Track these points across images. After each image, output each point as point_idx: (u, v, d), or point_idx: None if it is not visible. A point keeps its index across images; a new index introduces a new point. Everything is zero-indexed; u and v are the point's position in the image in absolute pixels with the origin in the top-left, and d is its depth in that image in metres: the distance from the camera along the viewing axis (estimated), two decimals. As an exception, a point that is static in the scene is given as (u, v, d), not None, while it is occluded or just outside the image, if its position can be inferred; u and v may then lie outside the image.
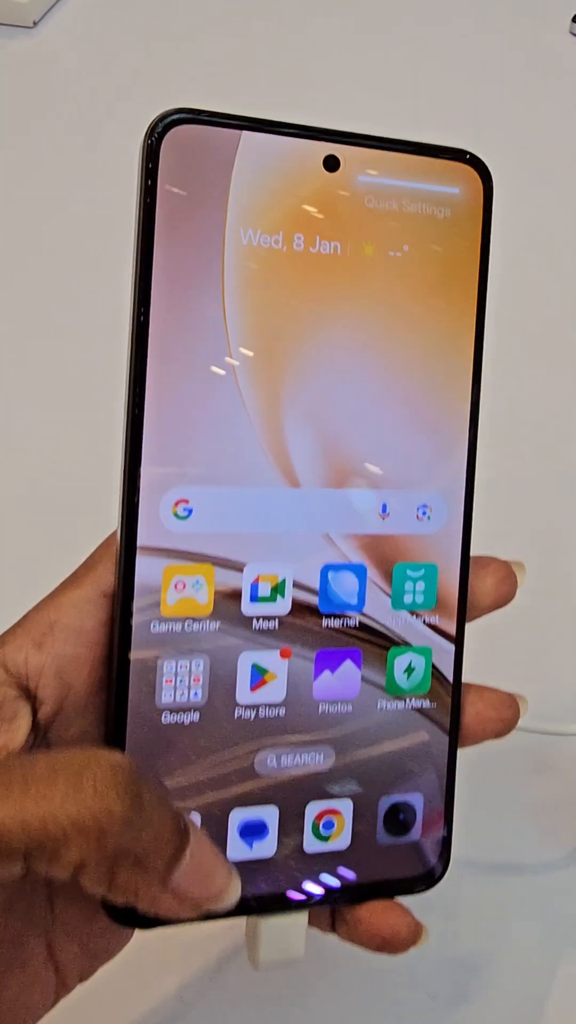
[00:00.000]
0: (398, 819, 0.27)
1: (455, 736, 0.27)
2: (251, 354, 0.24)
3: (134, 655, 0.24)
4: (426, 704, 0.27)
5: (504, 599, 0.28)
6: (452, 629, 0.27)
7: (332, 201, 0.25)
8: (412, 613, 0.27)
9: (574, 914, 0.34)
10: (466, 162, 0.26)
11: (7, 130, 0.59)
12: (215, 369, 0.24)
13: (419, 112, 0.59)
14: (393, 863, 0.26)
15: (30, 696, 0.23)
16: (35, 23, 0.65)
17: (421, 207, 0.26)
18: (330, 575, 0.26)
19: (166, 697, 0.24)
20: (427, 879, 0.27)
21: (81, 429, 0.46)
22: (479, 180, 0.26)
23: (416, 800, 0.27)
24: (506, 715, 0.27)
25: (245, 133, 0.24)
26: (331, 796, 0.26)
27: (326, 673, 0.26)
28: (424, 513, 0.26)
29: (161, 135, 0.23)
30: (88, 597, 0.24)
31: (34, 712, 0.23)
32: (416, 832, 0.27)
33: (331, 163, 0.25)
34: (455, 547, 0.27)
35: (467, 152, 0.26)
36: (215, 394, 0.24)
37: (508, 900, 0.34)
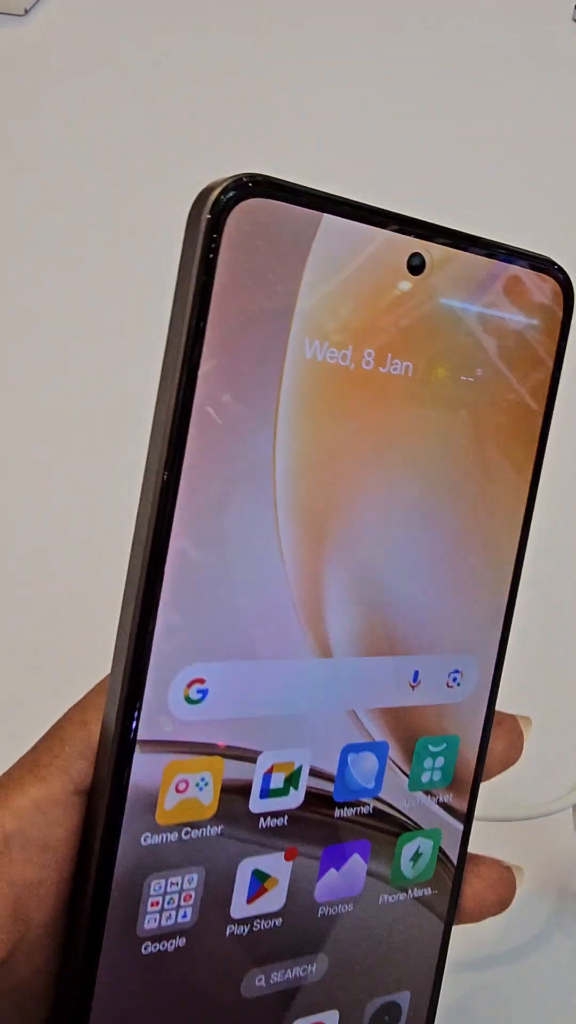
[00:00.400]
0: (383, 1021, 0.23)
1: (451, 923, 0.24)
2: (298, 498, 0.19)
3: (117, 877, 0.18)
4: (427, 892, 0.23)
5: (512, 761, 0.24)
6: (464, 807, 0.23)
7: (413, 310, 0.20)
8: (427, 793, 0.23)
9: None
10: (552, 274, 0.21)
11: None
12: (256, 513, 0.19)
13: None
14: (371, 1070, 0.23)
15: None
16: (26, 11, 0.58)
17: (503, 322, 0.21)
18: (350, 758, 0.21)
19: (149, 923, 0.19)
20: None
21: (71, 557, 0.38)
22: (561, 299, 0.21)
23: (403, 999, 0.23)
24: (505, 895, 0.24)
25: (327, 216, 0.18)
26: (319, 1009, 0.22)
27: (331, 872, 0.21)
28: (455, 680, 0.22)
29: (227, 209, 0.17)
30: (55, 797, 0.18)
31: None
32: None
33: (416, 263, 0.19)
34: (480, 716, 0.23)
35: (554, 263, 0.21)
36: (251, 543, 0.19)
37: None
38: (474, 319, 0.20)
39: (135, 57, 0.55)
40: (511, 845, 0.31)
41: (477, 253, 0.20)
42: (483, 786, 0.23)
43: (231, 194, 0.17)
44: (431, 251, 0.20)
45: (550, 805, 0.28)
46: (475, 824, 0.23)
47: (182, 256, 0.17)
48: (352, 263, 0.19)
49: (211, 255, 0.17)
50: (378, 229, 0.19)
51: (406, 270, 0.19)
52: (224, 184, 0.17)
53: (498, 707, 0.23)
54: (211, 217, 0.17)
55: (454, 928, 0.24)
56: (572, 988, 0.30)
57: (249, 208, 0.17)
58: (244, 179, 0.17)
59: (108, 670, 0.21)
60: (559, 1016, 0.30)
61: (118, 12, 0.57)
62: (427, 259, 0.20)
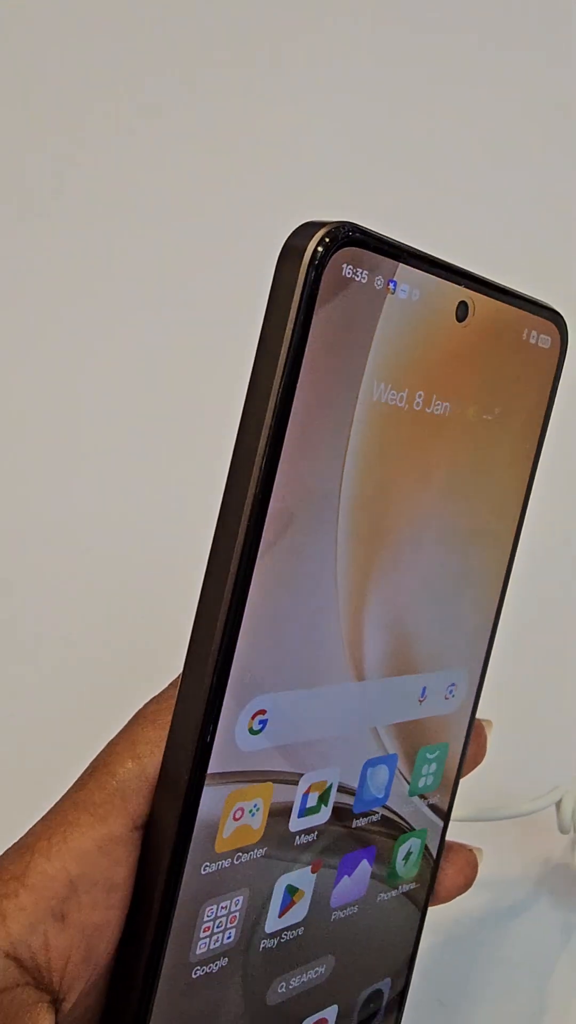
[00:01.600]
0: (369, 1009, 0.24)
1: (426, 911, 0.25)
2: (356, 534, 0.20)
3: (178, 908, 0.18)
4: (412, 887, 0.25)
5: (480, 760, 0.26)
6: (446, 805, 0.25)
7: (456, 355, 0.21)
8: (421, 797, 0.24)
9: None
10: (553, 321, 0.23)
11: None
12: (320, 549, 0.19)
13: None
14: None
15: (52, 993, 0.17)
16: None
17: (519, 365, 0.22)
18: (368, 772, 0.22)
19: (201, 948, 0.19)
20: None
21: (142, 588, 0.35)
22: (559, 343, 0.23)
23: (386, 985, 0.25)
24: (471, 875, 0.26)
25: (402, 265, 0.19)
26: (323, 1007, 0.23)
27: (345, 879, 0.22)
28: (451, 692, 0.24)
29: (328, 255, 0.17)
30: (117, 836, 0.18)
31: (56, 1011, 0.17)
32: (379, 1017, 0.25)
33: (463, 310, 0.20)
34: (465, 722, 0.25)
35: (558, 314, 0.23)
36: (314, 574, 0.19)
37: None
38: (499, 362, 0.22)
39: (129, 62, 0.50)
40: (495, 845, 0.33)
41: (507, 303, 0.21)
42: (470, 788, 0.25)
43: (329, 243, 0.17)
44: (474, 299, 0.21)
45: (532, 804, 0.30)
46: (463, 824, 0.25)
47: (275, 293, 0.17)
48: (415, 307, 0.19)
49: (310, 296, 0.17)
50: (437, 278, 0.20)
51: (454, 315, 0.20)
52: (325, 230, 0.17)
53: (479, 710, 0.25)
54: (315, 265, 0.17)
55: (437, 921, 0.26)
56: (555, 983, 0.33)
57: (344, 256, 0.17)
58: (344, 228, 0.17)
59: (143, 696, 0.21)
60: (542, 1013, 0.33)
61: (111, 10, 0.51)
62: (471, 306, 0.21)
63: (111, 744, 0.19)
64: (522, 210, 0.46)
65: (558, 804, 0.31)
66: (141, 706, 0.20)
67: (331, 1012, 0.23)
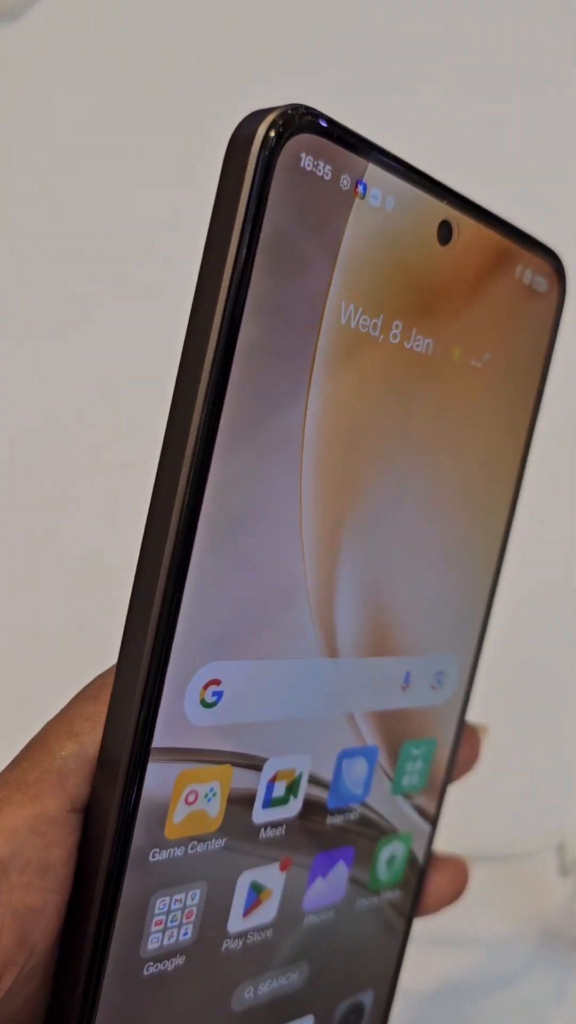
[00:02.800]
0: (348, 1020, 0.23)
1: (411, 921, 0.24)
2: (323, 482, 0.18)
3: (124, 897, 0.17)
4: (395, 894, 0.23)
5: (471, 766, 0.24)
6: (433, 809, 0.23)
7: (438, 283, 0.19)
8: (405, 796, 0.22)
9: None
10: (552, 264, 0.21)
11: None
12: (281, 497, 0.18)
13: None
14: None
15: None
16: (18, 12, 0.50)
17: (512, 307, 0.21)
18: (344, 764, 0.21)
19: (152, 943, 0.18)
20: None
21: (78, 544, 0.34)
22: (557, 289, 0.22)
23: (367, 998, 0.23)
24: (460, 884, 0.24)
25: (372, 165, 0.17)
26: (296, 1016, 0.21)
27: (319, 880, 0.21)
28: (439, 681, 0.22)
29: (280, 142, 0.15)
30: (51, 815, 0.17)
31: None
32: None
33: (445, 232, 0.19)
34: (455, 718, 0.23)
35: (556, 255, 0.21)
36: (276, 529, 0.18)
37: None
38: (488, 300, 0.20)
39: (137, 63, 0.50)
40: (494, 884, 0.31)
41: (497, 231, 0.20)
42: (468, 826, 0.23)
43: (282, 128, 0.15)
44: (460, 221, 0.19)
45: (533, 843, 0.29)
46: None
47: (221, 193, 0.16)
48: (388, 221, 0.17)
49: (262, 187, 0.15)
50: (415, 188, 0.18)
51: (436, 237, 0.19)
52: (275, 115, 0.15)
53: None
54: (266, 152, 0.15)
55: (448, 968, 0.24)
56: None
57: (300, 144, 0.16)
58: (296, 111, 0.16)
59: (88, 675, 0.19)
60: None
61: (120, 15, 0.51)
62: (455, 228, 0.19)
63: (48, 723, 0.18)
64: (523, 148, 0.44)
65: (559, 846, 0.29)
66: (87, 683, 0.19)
67: (306, 1022, 0.21)
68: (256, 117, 0.16)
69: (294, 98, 0.16)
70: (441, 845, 0.24)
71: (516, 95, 0.47)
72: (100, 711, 0.17)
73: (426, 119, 0.45)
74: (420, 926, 0.24)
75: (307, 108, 0.16)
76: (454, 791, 0.24)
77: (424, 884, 0.24)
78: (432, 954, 0.31)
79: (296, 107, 0.16)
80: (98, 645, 0.21)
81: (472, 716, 0.25)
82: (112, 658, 0.18)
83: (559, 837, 0.30)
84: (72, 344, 0.43)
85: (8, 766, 0.18)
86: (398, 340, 0.18)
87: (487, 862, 0.30)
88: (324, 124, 0.16)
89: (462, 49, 0.47)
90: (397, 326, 0.18)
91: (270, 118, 0.16)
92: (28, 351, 0.43)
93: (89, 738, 0.17)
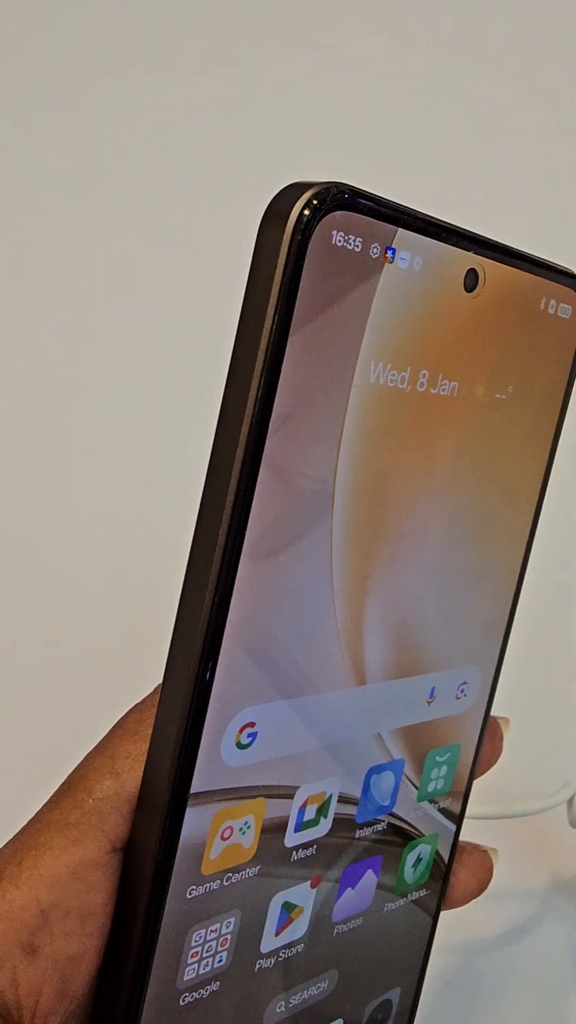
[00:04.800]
0: (377, 1019, 0.23)
1: (438, 917, 0.24)
2: (353, 529, 0.18)
3: (161, 935, 0.17)
4: (422, 894, 0.23)
5: (495, 760, 0.25)
6: (459, 809, 0.23)
7: (465, 329, 0.19)
8: (431, 801, 0.23)
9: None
10: (575, 287, 0.21)
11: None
12: (313, 548, 0.17)
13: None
14: (363, 1066, 0.23)
15: None
16: None
17: (535, 338, 0.20)
18: (372, 780, 0.21)
19: (189, 974, 0.18)
20: None
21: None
22: None
23: (394, 995, 0.23)
24: (486, 878, 0.25)
25: (400, 230, 0.17)
26: (326, 1021, 0.22)
27: (348, 891, 0.21)
28: (463, 691, 0.22)
29: (314, 221, 0.15)
30: (92, 859, 0.17)
31: None
32: None
33: (472, 279, 0.18)
34: (478, 722, 0.23)
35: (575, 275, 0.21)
36: (307, 574, 0.17)
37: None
38: (512, 336, 0.20)
39: (135, 46, 0.47)
40: (508, 842, 0.32)
41: (521, 268, 0.19)
42: (478, 785, 0.24)
43: (317, 206, 0.15)
44: (485, 267, 0.19)
45: (545, 801, 0.29)
46: (472, 822, 0.23)
47: (257, 263, 0.15)
48: (417, 278, 0.17)
49: (296, 265, 0.15)
50: (442, 244, 0.18)
51: (462, 285, 0.18)
52: (310, 194, 0.15)
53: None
54: (301, 232, 0.15)
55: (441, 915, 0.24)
56: (560, 980, 0.32)
57: (333, 222, 0.15)
58: (333, 190, 0.15)
59: (125, 705, 0.19)
60: (548, 1001, 0.31)
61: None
62: (481, 275, 0.18)
63: (88, 758, 0.18)
64: (536, 173, 0.43)
65: (570, 801, 0.30)
66: (123, 715, 0.19)
67: (335, 1027, 0.22)
68: (292, 193, 0.15)
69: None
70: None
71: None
72: (140, 749, 0.17)
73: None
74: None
75: (342, 185, 0.16)
76: None
77: (449, 879, 0.24)
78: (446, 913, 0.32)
79: (332, 185, 0.15)
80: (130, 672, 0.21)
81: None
82: (142, 687, 0.18)
83: (571, 792, 0.31)
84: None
85: (48, 805, 0.18)
86: (424, 388, 0.18)
87: (500, 820, 0.31)
88: (358, 200, 0.16)
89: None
90: (424, 375, 0.18)
91: (305, 197, 0.15)
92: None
93: (129, 776, 0.17)
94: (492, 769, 0.24)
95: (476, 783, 0.24)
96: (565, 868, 0.33)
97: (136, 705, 0.19)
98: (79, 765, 0.18)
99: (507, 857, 0.29)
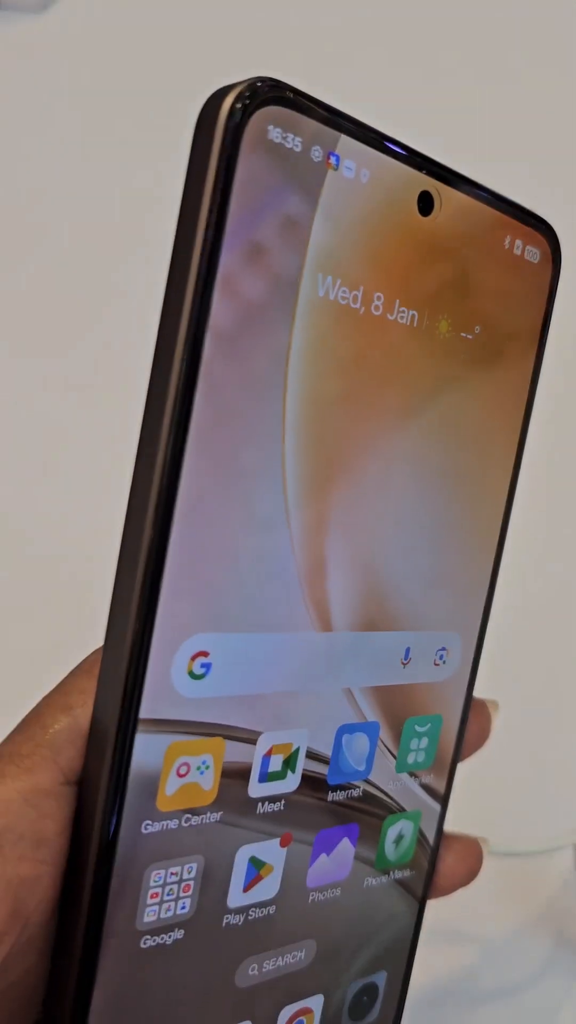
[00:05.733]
0: (362, 1002, 0.22)
1: (424, 902, 0.23)
2: (307, 457, 0.18)
3: (116, 869, 0.17)
4: (406, 874, 0.23)
5: (482, 743, 0.24)
6: (443, 788, 0.23)
7: (421, 255, 0.19)
8: (411, 774, 0.22)
9: None
10: (544, 234, 0.21)
11: (15, 118, 0.46)
12: (264, 465, 0.18)
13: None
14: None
15: None
16: (44, 6, 0.54)
17: (502, 279, 0.21)
18: (344, 739, 0.20)
19: (149, 916, 0.18)
20: None
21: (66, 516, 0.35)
22: (551, 259, 0.21)
23: (380, 979, 0.23)
24: (474, 866, 0.24)
25: (344, 137, 0.17)
26: (305, 995, 0.21)
27: (322, 857, 0.21)
28: (442, 658, 0.22)
29: (246, 114, 0.15)
30: (45, 788, 0.17)
31: None
32: (375, 1012, 0.23)
33: (425, 203, 0.19)
34: (461, 694, 0.23)
35: (547, 223, 0.21)
36: (259, 499, 0.18)
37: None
38: (475, 271, 0.20)
39: (160, 58, 0.51)
40: (510, 881, 0.31)
41: (482, 200, 0.20)
42: (486, 822, 0.23)
43: (247, 100, 0.15)
44: (441, 191, 0.19)
45: (551, 842, 0.28)
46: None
47: (190, 168, 0.16)
48: (365, 192, 0.17)
49: (230, 158, 0.15)
50: (391, 159, 0.18)
51: (415, 208, 0.19)
52: (240, 88, 0.15)
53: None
54: (234, 122, 0.15)
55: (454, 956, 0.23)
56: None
57: (268, 116, 0.16)
58: (262, 83, 0.16)
59: (86, 649, 0.20)
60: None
61: (143, 9, 0.52)
62: (436, 199, 0.19)
63: (44, 697, 0.18)
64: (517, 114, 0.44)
65: None
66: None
67: (315, 1001, 0.21)
68: (222, 91, 0.16)
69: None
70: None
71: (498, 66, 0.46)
72: (93, 684, 0.18)
73: (410, 92, 0.45)
74: (430, 919, 0.24)
75: (274, 80, 0.16)
76: (473, 788, 0.24)
77: (436, 864, 0.23)
78: (442, 950, 0.30)
79: (262, 79, 0.16)
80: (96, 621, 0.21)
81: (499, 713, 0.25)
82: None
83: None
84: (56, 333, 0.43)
85: (3, 740, 0.18)
86: (380, 312, 0.18)
87: (504, 859, 0.30)
88: (292, 95, 0.16)
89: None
90: (379, 298, 0.18)
91: (235, 91, 0.16)
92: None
93: (82, 711, 0.18)
94: (496, 804, 0.23)
95: (480, 817, 0.23)
96: (568, 916, 0.32)
97: (96, 648, 0.19)
98: (36, 705, 0.18)
99: (508, 899, 0.28)
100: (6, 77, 0.51)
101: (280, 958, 0.20)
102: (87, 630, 0.21)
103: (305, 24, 0.49)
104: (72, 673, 0.19)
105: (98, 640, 0.19)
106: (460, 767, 0.23)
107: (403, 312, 0.19)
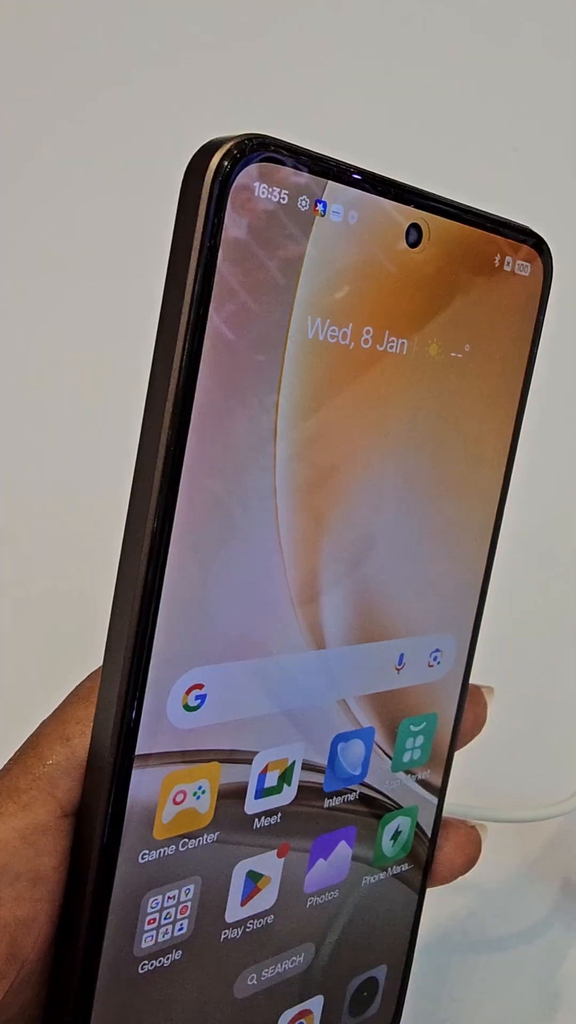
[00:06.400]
0: (362, 997, 0.23)
1: (424, 893, 0.24)
2: (297, 485, 0.18)
3: (114, 899, 0.17)
4: (404, 868, 0.23)
5: (478, 731, 0.24)
6: (439, 781, 0.23)
7: (410, 284, 0.18)
8: (407, 772, 0.22)
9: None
10: (532, 246, 0.20)
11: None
12: (257, 501, 0.17)
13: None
14: (350, 1044, 0.23)
15: None
16: None
17: (492, 296, 0.20)
18: (340, 747, 0.20)
19: (147, 941, 0.18)
20: None
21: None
22: (541, 270, 0.21)
23: (380, 973, 0.23)
24: (473, 854, 0.24)
25: (331, 183, 0.17)
26: (304, 998, 0.21)
27: (320, 862, 0.21)
28: (435, 659, 0.22)
29: (233, 172, 0.15)
30: (43, 824, 0.17)
31: None
32: (376, 1005, 0.23)
33: (414, 235, 0.18)
34: (455, 691, 0.23)
35: (535, 235, 0.20)
36: (252, 533, 0.17)
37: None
38: (464, 292, 0.19)
39: (146, 53, 0.48)
40: (517, 847, 0.31)
41: (470, 224, 0.19)
42: (490, 788, 0.23)
43: (235, 157, 0.15)
44: (429, 222, 0.18)
45: (559, 807, 0.28)
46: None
47: (178, 224, 0.15)
48: (353, 233, 0.17)
49: (217, 217, 0.15)
50: (379, 198, 0.17)
51: (404, 240, 0.18)
52: (229, 145, 0.15)
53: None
54: (219, 180, 0.15)
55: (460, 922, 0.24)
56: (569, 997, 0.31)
57: (254, 173, 0.15)
58: (251, 140, 0.15)
59: (82, 674, 0.19)
60: (555, 1006, 0.31)
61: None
62: (424, 230, 0.18)
63: (41, 725, 0.18)
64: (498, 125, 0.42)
65: None
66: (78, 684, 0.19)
67: (316, 1003, 0.22)
68: (210, 148, 0.15)
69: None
70: (465, 810, 0.24)
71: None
72: (90, 714, 0.17)
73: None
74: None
75: (260, 137, 0.16)
76: (482, 755, 0.24)
77: (434, 854, 0.23)
78: (452, 902, 0.31)
79: (250, 136, 0.15)
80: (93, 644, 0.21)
81: (501, 685, 0.25)
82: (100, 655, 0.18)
83: None
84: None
85: (1, 772, 0.18)
86: (370, 345, 0.18)
87: (512, 825, 0.30)
88: (278, 151, 0.16)
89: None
90: (368, 331, 0.18)
91: (223, 149, 0.15)
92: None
93: (79, 742, 0.17)
94: (503, 769, 0.23)
95: (484, 783, 0.23)
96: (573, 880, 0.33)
97: (91, 673, 0.19)
98: (32, 733, 0.18)
99: (515, 860, 0.29)
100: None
101: (279, 965, 0.20)
102: (88, 648, 0.21)
103: (285, 49, 0.46)
104: (69, 700, 0.18)
105: (98, 660, 0.19)
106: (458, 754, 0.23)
107: (392, 341, 0.18)
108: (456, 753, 0.23)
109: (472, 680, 0.24)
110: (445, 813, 0.24)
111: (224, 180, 0.15)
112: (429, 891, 0.24)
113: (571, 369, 0.35)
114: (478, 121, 0.42)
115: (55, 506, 0.40)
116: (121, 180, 0.44)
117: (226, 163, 0.15)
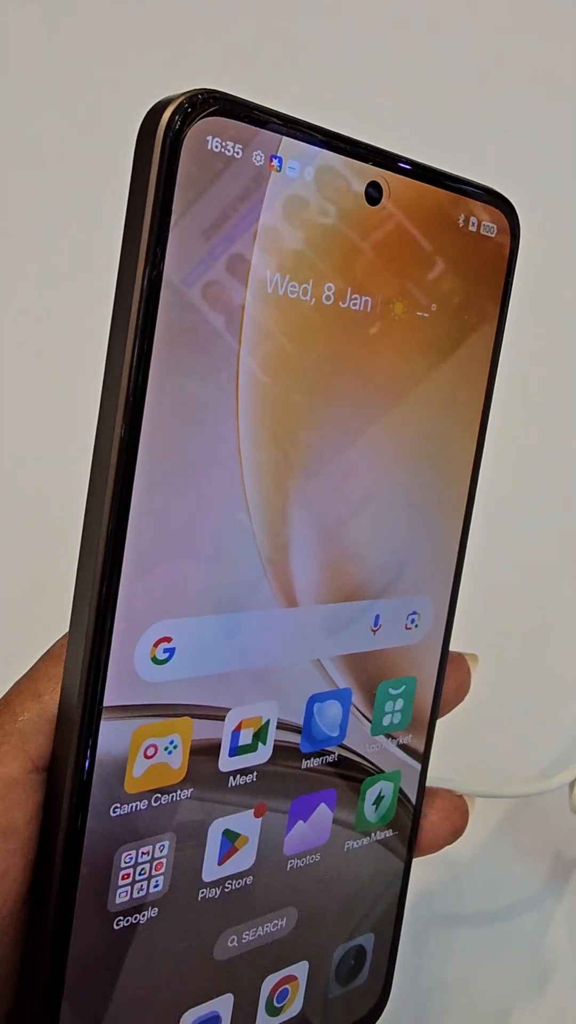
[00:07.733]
0: (349, 965, 0.23)
1: (410, 861, 0.24)
2: (262, 441, 0.18)
3: (86, 853, 0.17)
4: (388, 834, 0.23)
5: (462, 698, 0.24)
6: (422, 746, 0.23)
7: (371, 243, 0.18)
8: (388, 736, 0.22)
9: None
10: (500, 208, 0.21)
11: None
12: (220, 454, 0.17)
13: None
14: (338, 1014, 0.23)
15: None
16: None
17: (457, 256, 0.20)
18: (316, 708, 0.20)
19: (121, 897, 0.18)
20: (370, 1018, 0.23)
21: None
22: (508, 232, 0.21)
23: (367, 941, 0.23)
24: (459, 824, 0.24)
25: (286, 139, 0.17)
26: (288, 963, 0.21)
27: (299, 824, 0.21)
28: (413, 622, 0.22)
29: (184, 126, 0.15)
30: (14, 778, 0.17)
31: None
32: (364, 975, 0.23)
33: (374, 193, 0.18)
34: (435, 655, 0.23)
35: (502, 196, 0.21)
36: (216, 486, 0.17)
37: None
38: (428, 252, 0.20)
39: (144, 50, 0.48)
40: (506, 822, 0.31)
41: (432, 183, 0.19)
42: (479, 763, 0.23)
43: (188, 111, 0.15)
44: (389, 180, 0.18)
45: (547, 783, 0.28)
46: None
47: (133, 181, 0.16)
48: (310, 189, 0.17)
49: (169, 170, 0.15)
50: (337, 155, 0.18)
51: (364, 199, 0.18)
52: (180, 100, 0.15)
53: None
54: (170, 135, 0.15)
55: (453, 894, 0.24)
56: (560, 973, 0.31)
57: (206, 127, 0.16)
58: (201, 95, 0.16)
59: (57, 635, 0.19)
60: (543, 980, 0.31)
61: None
62: (385, 188, 0.18)
63: (14, 684, 0.18)
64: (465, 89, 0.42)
65: (571, 785, 0.29)
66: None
67: (300, 968, 0.22)
68: (161, 105, 0.16)
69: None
70: (453, 785, 0.24)
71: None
72: (61, 671, 0.17)
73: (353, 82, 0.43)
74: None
75: (211, 91, 0.16)
76: (471, 731, 0.24)
77: (419, 822, 0.23)
78: (439, 875, 0.31)
79: (201, 91, 0.16)
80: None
81: (487, 656, 0.25)
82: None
83: (572, 775, 0.30)
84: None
85: None
86: (332, 301, 0.18)
87: (501, 801, 0.30)
88: (230, 105, 0.16)
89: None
90: (329, 288, 0.18)
91: (174, 104, 0.16)
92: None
93: (51, 698, 0.18)
94: (492, 744, 0.23)
95: (473, 760, 0.23)
96: (565, 848, 0.32)
97: (65, 633, 0.19)
98: (6, 692, 0.18)
99: (505, 836, 0.28)
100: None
101: (260, 928, 0.20)
102: (60, 614, 0.21)
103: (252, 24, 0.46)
104: (42, 658, 0.18)
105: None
106: (442, 721, 0.23)
107: (356, 299, 0.18)
108: (445, 729, 0.23)
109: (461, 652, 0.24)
110: (431, 785, 0.24)
111: (176, 135, 0.15)
112: (416, 862, 0.24)
113: (544, 332, 0.34)
114: (469, 102, 0.43)
115: (21, 472, 0.40)
116: (106, 173, 0.45)
117: (177, 118, 0.15)
